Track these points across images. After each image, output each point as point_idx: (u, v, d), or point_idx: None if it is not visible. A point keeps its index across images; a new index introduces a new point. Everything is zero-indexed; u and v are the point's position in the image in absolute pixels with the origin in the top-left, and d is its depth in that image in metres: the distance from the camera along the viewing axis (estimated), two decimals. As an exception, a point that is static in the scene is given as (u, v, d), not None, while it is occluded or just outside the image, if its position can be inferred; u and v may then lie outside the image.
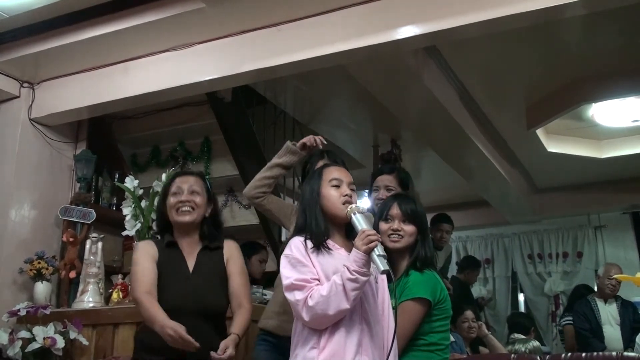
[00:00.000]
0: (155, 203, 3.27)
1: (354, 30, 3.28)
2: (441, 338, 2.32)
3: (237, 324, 2.38)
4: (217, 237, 2.53)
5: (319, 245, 2.03)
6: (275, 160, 2.77)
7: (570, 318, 5.41)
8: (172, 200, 2.46)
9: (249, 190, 2.76)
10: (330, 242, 2.07)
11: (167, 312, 2.27)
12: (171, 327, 2.14)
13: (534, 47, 4.27)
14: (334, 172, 2.16)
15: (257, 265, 4.33)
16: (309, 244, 2.04)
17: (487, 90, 4.88)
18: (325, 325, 1.95)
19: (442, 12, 3.12)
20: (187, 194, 2.45)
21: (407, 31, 3.18)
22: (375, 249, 1.91)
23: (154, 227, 3.17)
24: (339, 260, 1.99)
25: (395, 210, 2.40)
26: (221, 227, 2.59)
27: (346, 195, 2.08)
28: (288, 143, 2.77)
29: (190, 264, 2.44)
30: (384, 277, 2.07)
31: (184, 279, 2.40)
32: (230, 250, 2.53)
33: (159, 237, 2.58)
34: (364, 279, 1.91)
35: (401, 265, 2.38)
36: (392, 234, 2.37)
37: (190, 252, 2.46)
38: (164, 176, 3.36)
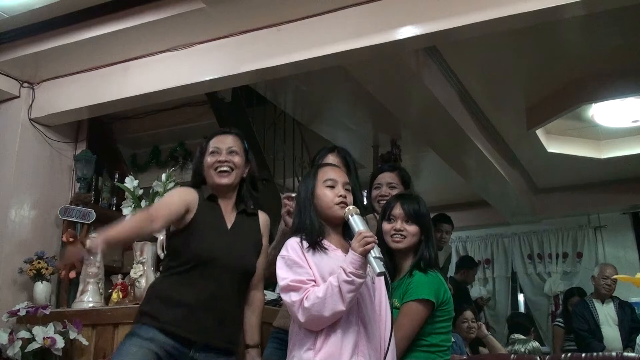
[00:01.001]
0: (156, 201, 3.28)
1: (354, 31, 3.28)
2: (443, 339, 2.31)
3: (254, 331, 2.36)
4: (255, 199, 2.49)
5: (314, 245, 2.03)
6: (274, 253, 2.55)
7: (560, 320, 5.44)
8: (209, 159, 2.38)
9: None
10: (326, 243, 2.06)
11: (204, 263, 2.24)
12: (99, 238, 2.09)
13: (534, 48, 4.27)
14: (329, 172, 2.15)
15: None
16: (305, 244, 2.04)
17: (487, 91, 4.88)
18: (321, 327, 1.95)
19: (442, 12, 3.12)
20: (225, 153, 2.38)
21: (407, 31, 3.18)
22: (372, 251, 1.91)
23: None
24: (335, 261, 1.99)
25: (398, 210, 2.38)
26: (258, 187, 2.53)
27: (340, 195, 2.08)
28: (282, 226, 2.64)
29: (228, 222, 2.38)
30: (381, 277, 2.07)
31: (222, 233, 2.34)
32: (265, 224, 2.48)
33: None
34: (360, 280, 1.91)
35: (404, 265, 2.37)
36: (394, 234, 2.35)
37: (228, 211, 2.41)
38: (163, 176, 3.36)
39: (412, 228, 2.35)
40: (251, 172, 2.48)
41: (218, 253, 2.28)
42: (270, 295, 3.77)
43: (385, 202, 2.56)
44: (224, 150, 2.39)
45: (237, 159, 2.40)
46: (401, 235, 2.35)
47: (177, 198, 2.32)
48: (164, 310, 2.20)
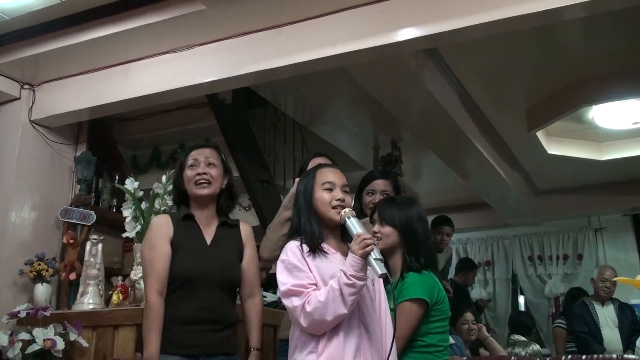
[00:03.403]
0: (156, 205, 3.29)
1: (354, 32, 3.28)
2: (439, 339, 2.32)
3: (255, 334, 2.43)
4: (232, 209, 2.59)
5: (315, 249, 2.03)
6: (286, 214, 2.62)
7: (561, 321, 5.42)
8: (189, 173, 2.46)
9: (270, 254, 2.62)
10: (325, 246, 2.06)
11: (187, 282, 2.33)
12: None
13: (535, 49, 4.27)
14: (327, 175, 2.14)
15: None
16: (305, 248, 2.03)
17: (487, 92, 4.88)
18: (323, 331, 1.95)
19: (443, 14, 3.12)
20: (204, 166, 2.46)
21: (408, 33, 3.18)
22: (372, 253, 1.92)
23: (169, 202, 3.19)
24: (335, 264, 1.98)
25: (376, 213, 2.46)
26: (236, 198, 2.62)
27: (338, 199, 2.08)
28: (293, 190, 2.68)
29: (208, 237, 2.45)
30: (381, 279, 2.07)
31: (203, 249, 2.42)
32: (247, 234, 2.55)
33: (176, 209, 2.61)
34: (361, 283, 1.91)
35: (393, 267, 2.39)
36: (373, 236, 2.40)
37: (208, 225, 2.48)
38: (164, 178, 3.36)
39: (386, 230, 2.38)
40: (229, 184, 2.56)
41: (199, 270, 2.36)
42: (270, 297, 3.77)
43: None
44: (202, 162, 2.48)
45: (214, 171, 2.48)
46: (377, 237, 2.37)
47: (160, 243, 2.38)
48: (163, 334, 2.30)
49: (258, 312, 2.49)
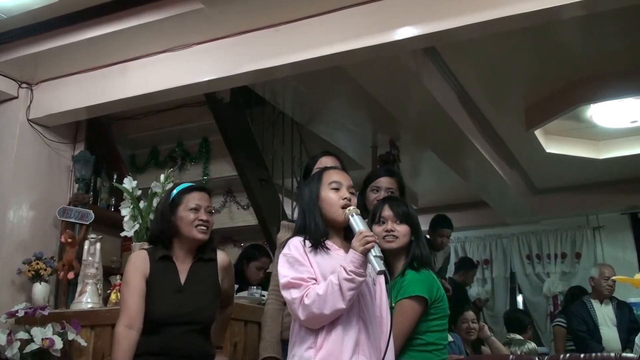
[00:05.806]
0: (154, 204, 3.29)
1: (352, 31, 3.28)
2: (438, 338, 2.33)
3: (217, 336, 2.63)
4: (211, 245, 2.60)
5: (317, 245, 2.04)
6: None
7: (561, 319, 5.42)
8: (191, 215, 2.49)
9: None
10: (328, 243, 2.08)
11: (157, 324, 2.37)
12: None
13: (533, 48, 4.27)
14: (333, 175, 2.17)
15: (254, 272, 4.32)
16: (308, 243, 2.05)
17: (486, 91, 4.88)
18: (321, 325, 1.96)
19: (441, 13, 3.12)
20: (206, 212, 2.52)
21: (406, 32, 3.18)
22: (372, 250, 1.93)
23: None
24: (337, 261, 2.00)
25: (387, 211, 2.43)
26: (214, 238, 2.64)
27: (345, 198, 2.09)
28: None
29: (183, 276, 2.48)
30: (382, 278, 2.08)
31: (176, 291, 2.45)
32: (224, 266, 2.60)
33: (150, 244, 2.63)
34: (360, 279, 1.92)
35: (397, 266, 2.40)
36: (386, 235, 2.39)
37: (184, 262, 2.51)
38: (162, 177, 3.36)
39: (402, 228, 2.39)
40: None
41: (171, 313, 2.40)
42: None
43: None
44: (203, 208, 2.52)
45: (211, 219, 2.55)
46: (393, 235, 2.38)
47: (134, 280, 2.43)
48: None
49: (225, 319, 2.76)
